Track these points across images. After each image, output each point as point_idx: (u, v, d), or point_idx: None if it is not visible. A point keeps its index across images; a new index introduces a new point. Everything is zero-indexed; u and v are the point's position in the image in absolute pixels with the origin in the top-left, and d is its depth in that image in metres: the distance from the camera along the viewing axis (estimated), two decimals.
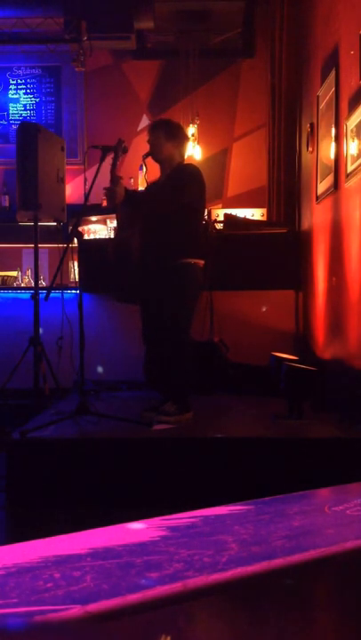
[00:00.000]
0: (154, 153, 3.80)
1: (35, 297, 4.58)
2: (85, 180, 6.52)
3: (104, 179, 3.67)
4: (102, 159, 3.64)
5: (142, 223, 3.74)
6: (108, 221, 6.51)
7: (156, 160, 3.83)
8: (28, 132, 4.55)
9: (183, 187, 3.67)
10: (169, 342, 3.66)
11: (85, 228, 6.50)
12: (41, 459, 3.29)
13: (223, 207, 6.71)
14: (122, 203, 3.63)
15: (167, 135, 3.77)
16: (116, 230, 4.06)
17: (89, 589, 1.57)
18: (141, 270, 3.75)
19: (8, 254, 6.63)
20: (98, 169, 3.64)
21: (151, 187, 3.94)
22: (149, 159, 3.85)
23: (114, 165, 3.67)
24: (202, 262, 3.74)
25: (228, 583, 1.64)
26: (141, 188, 5.79)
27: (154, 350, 3.80)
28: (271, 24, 5.86)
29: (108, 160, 3.61)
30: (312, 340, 4.80)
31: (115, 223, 6.29)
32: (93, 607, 1.47)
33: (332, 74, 4.08)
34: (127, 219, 3.77)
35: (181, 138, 3.86)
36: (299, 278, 5.18)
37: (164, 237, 3.66)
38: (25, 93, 7.00)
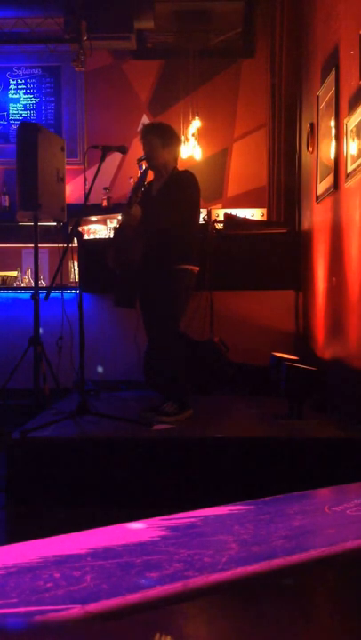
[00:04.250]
0: (150, 159, 3.81)
1: (35, 297, 4.58)
2: (85, 179, 6.53)
3: (104, 179, 3.67)
4: (102, 159, 3.65)
5: (144, 232, 3.75)
6: (108, 221, 6.51)
7: (152, 165, 3.84)
8: (28, 131, 4.55)
9: (183, 200, 3.72)
10: (160, 340, 3.75)
11: (85, 227, 6.51)
12: (41, 459, 3.29)
13: (223, 207, 6.72)
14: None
15: (163, 142, 3.78)
16: (117, 235, 4.05)
17: (89, 589, 1.57)
18: (142, 273, 3.78)
19: (8, 254, 6.64)
20: (98, 169, 3.64)
21: (148, 195, 3.90)
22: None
23: (136, 189, 3.70)
24: (196, 269, 3.84)
25: (228, 583, 1.64)
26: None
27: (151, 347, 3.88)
28: (271, 24, 5.86)
29: (109, 161, 3.61)
30: (312, 340, 4.79)
31: (115, 223, 6.31)
32: (93, 607, 1.47)
33: (332, 74, 4.08)
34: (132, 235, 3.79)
35: (175, 142, 3.87)
36: (299, 278, 5.18)
37: (165, 244, 3.71)
38: (25, 93, 7.01)
